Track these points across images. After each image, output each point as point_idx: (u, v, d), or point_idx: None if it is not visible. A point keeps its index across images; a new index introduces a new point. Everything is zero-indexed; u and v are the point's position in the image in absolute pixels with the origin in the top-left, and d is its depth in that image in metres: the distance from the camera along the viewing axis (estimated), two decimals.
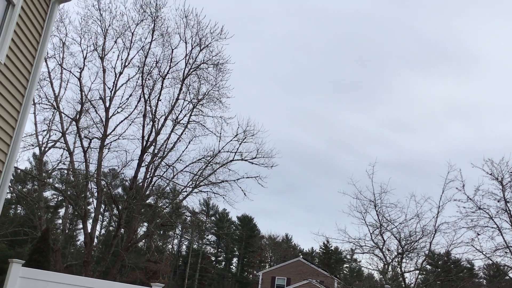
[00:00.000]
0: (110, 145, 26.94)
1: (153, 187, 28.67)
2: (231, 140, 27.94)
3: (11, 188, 30.14)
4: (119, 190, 46.52)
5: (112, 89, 26.69)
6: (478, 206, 21.70)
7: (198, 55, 27.39)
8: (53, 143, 26.83)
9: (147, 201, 28.28)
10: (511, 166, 21.32)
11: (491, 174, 21.56)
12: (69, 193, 27.03)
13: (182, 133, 27.75)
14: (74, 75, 26.19)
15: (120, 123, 26.93)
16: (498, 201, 21.48)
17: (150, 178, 27.22)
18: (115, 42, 26.52)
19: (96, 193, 26.62)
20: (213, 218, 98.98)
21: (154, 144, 27.35)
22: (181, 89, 27.62)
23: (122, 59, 26.76)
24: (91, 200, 30.60)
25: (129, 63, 26.88)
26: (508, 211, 21.30)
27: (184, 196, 27.89)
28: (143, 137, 26.95)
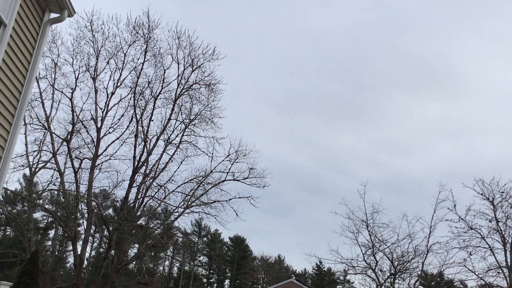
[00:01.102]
0: (101, 165, 26.87)
1: (145, 208, 28.47)
2: (223, 160, 27.93)
3: (1, 209, 29.78)
4: (110, 211, 46.08)
5: (104, 110, 26.66)
6: (470, 226, 21.75)
7: (190, 75, 27.56)
8: (43, 164, 26.71)
9: (138, 222, 27.99)
10: (502, 186, 21.46)
11: (482, 194, 21.70)
12: (59, 214, 26.73)
13: (174, 153, 27.70)
14: (66, 96, 26.21)
15: (111, 143, 26.85)
16: (490, 221, 21.57)
17: (141, 199, 27.02)
18: (108, 62, 26.63)
19: (87, 214, 26.35)
20: (205, 239, 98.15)
21: (145, 164, 27.22)
22: (173, 109, 27.66)
23: (114, 80, 26.84)
24: (81, 221, 30.19)
25: (121, 84, 26.96)
26: (500, 231, 21.35)
27: (176, 216, 27.66)
28: (134, 157, 26.81)
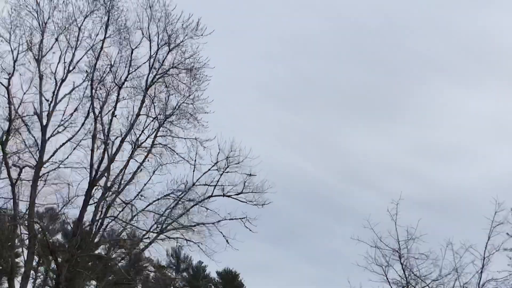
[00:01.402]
0: (48, 175, 26.64)
1: (105, 233, 28.28)
2: (209, 170, 27.76)
3: None
4: (59, 236, 45.76)
5: (51, 102, 26.47)
6: None
7: (166, 57, 27.48)
8: None
9: (96, 252, 27.84)
10: None
11: None
12: None
13: (144, 160, 27.51)
14: (1, 83, 25.97)
15: (61, 146, 26.55)
16: None
17: (100, 221, 26.78)
18: (57, 39, 26.51)
19: (28, 241, 26.11)
20: (184, 273, 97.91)
21: (106, 174, 27.05)
22: (143, 101, 27.53)
23: (65, 62, 26.73)
24: (20, 250, 29.97)
25: (74, 67, 26.85)
26: None
27: (146, 244, 27.45)
28: (91, 165, 26.65)
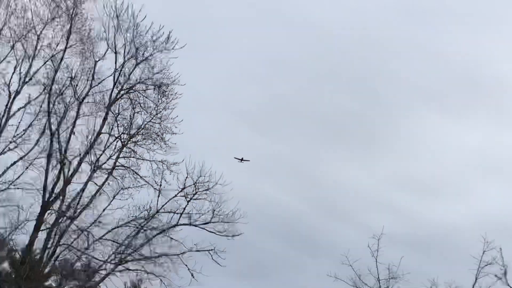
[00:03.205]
0: None
1: (57, 262, 27.66)
2: (176, 196, 27.75)
3: None
4: (6, 265, 45.06)
5: (3, 115, 26.22)
6: None
7: (133, 71, 27.58)
8: None
9: (47, 283, 27.32)
10: None
11: None
12: None
13: (104, 183, 27.32)
14: None
15: (12, 164, 26.33)
16: None
17: (53, 248, 26.35)
18: (12, 47, 26.34)
19: None
20: None
21: (61, 197, 26.68)
22: (105, 118, 27.45)
23: (21, 73, 26.53)
24: None
25: (30, 79, 26.69)
26: None
27: (103, 276, 26.98)
28: (45, 187, 26.36)
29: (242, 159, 58.30)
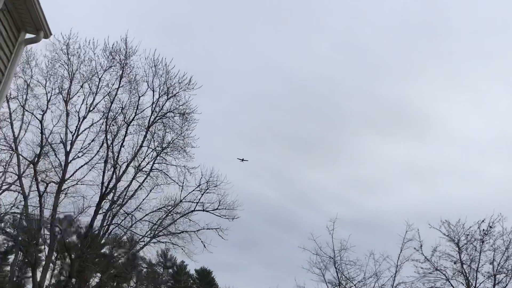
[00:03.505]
0: (68, 190, 26.23)
1: (110, 236, 27.79)
2: (193, 190, 27.81)
3: None
4: (74, 238, 44.82)
5: (74, 133, 26.25)
6: (435, 267, 21.85)
7: (165, 103, 27.51)
8: (8, 186, 25.97)
9: (102, 250, 27.30)
10: (467, 229, 21.75)
11: (448, 235, 21.92)
12: (20, 239, 25.84)
13: (143, 181, 27.25)
14: (36, 117, 25.78)
15: (79, 168, 26.37)
16: (455, 263, 21.72)
17: (106, 226, 26.39)
18: (81, 86, 26.41)
19: (49, 240, 25.54)
20: (170, 270, 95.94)
21: (113, 191, 26.70)
22: (145, 136, 27.44)
23: (87, 104, 26.56)
24: (43, 247, 29.23)
25: (94, 108, 26.67)
26: (464, 273, 21.52)
27: (142, 246, 27.13)
28: (102, 183, 26.32)
29: (243, 159, 58.25)
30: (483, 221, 21.72)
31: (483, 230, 21.66)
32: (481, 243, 21.60)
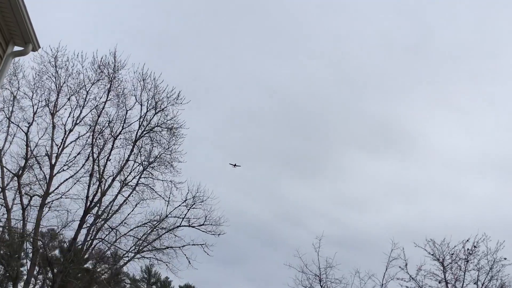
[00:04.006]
0: (52, 203, 25.89)
1: (93, 251, 27.53)
2: (179, 205, 27.65)
3: None
4: (57, 252, 44.31)
5: (60, 146, 26.01)
6: (420, 286, 21.95)
7: (152, 117, 27.46)
8: None
9: (85, 265, 26.94)
10: (452, 248, 21.94)
11: (433, 254, 22.09)
12: (2, 252, 25.43)
13: (129, 195, 27.07)
14: (22, 130, 25.58)
15: (64, 181, 26.06)
16: (439, 282, 21.85)
17: (90, 241, 26.12)
18: (69, 99, 26.28)
19: (31, 254, 25.20)
20: (154, 286, 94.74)
21: (98, 205, 26.44)
22: (132, 150, 27.31)
23: (73, 117, 26.40)
24: (25, 261, 28.85)
25: (80, 121, 26.52)
26: None
27: (125, 261, 26.83)
28: (87, 197, 26.05)
29: (235, 165, 56.85)
30: (467, 240, 22.05)
31: (468, 249, 21.89)
32: (465, 263, 21.79)
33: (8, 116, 25.41)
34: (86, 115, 26.73)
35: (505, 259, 21.19)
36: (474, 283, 21.40)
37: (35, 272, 33.28)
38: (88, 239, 25.98)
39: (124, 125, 27.25)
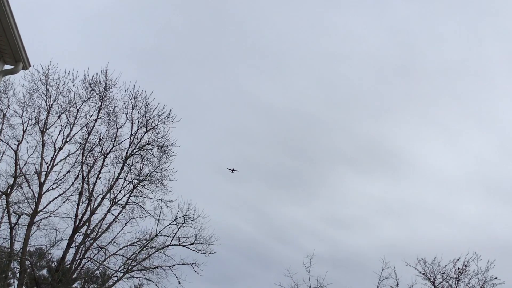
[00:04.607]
0: (40, 222, 25.74)
1: (82, 270, 27.21)
2: (169, 224, 27.51)
3: None
4: (44, 271, 43.70)
5: (49, 164, 25.97)
6: None
7: (143, 136, 27.50)
8: None
9: (73, 285, 26.62)
10: (442, 267, 22.01)
11: (424, 273, 22.14)
12: None
13: (119, 214, 26.88)
14: (11, 148, 25.57)
15: (53, 199, 25.90)
16: None
17: (79, 260, 25.80)
18: (59, 117, 26.34)
19: (19, 273, 24.87)
20: None
21: (87, 224, 26.24)
22: (122, 168, 27.25)
23: (63, 135, 26.43)
24: (12, 281, 28.45)
25: (70, 139, 26.51)
26: None
27: (114, 281, 26.43)
28: (76, 215, 25.88)
29: (233, 170, 56.10)
30: (458, 259, 22.25)
31: (459, 268, 21.98)
32: (456, 282, 21.87)
33: None
34: (76, 133, 26.78)
35: (495, 278, 21.29)
36: None
37: None
38: (76, 258, 25.65)
39: (115, 143, 27.26)
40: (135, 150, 27.41)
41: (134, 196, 27.37)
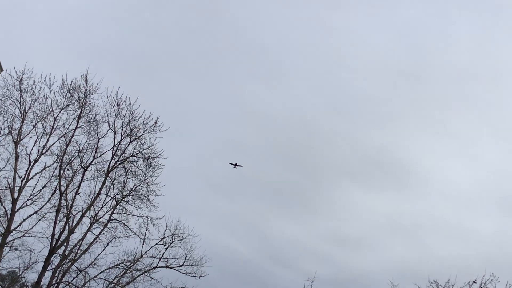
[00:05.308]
0: (13, 242, 24.50)
1: None
2: (156, 244, 26.19)
3: None
4: None
5: (23, 178, 24.60)
6: None
7: (127, 146, 26.27)
8: None
9: None
10: None
11: None
12: None
13: (100, 233, 25.55)
14: None
15: (28, 217, 24.54)
16: None
17: (56, 285, 24.41)
18: (34, 126, 25.09)
19: None
20: None
21: (65, 244, 24.88)
22: (104, 182, 25.93)
23: (39, 146, 25.13)
24: None
25: (47, 151, 25.22)
26: None
27: None
28: (53, 235, 24.56)
29: (236, 164, 54.21)
30: (474, 281, 21.26)
31: None
32: None
33: None
34: (54, 143, 25.57)
35: None
36: None
37: None
38: (53, 282, 24.35)
39: (96, 154, 26.07)
40: (118, 163, 26.21)
41: (117, 213, 26.14)
